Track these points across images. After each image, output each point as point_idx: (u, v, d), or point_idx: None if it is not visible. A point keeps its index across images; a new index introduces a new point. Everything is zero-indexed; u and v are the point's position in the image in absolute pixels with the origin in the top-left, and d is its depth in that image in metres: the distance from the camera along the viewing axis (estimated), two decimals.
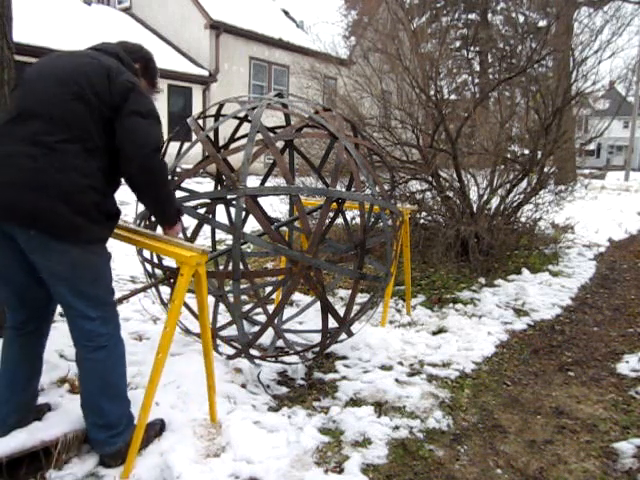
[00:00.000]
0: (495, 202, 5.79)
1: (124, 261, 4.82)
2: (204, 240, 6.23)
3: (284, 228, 4.27)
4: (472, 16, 19.93)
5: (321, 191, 3.21)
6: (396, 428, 2.47)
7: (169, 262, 2.37)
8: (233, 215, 3.30)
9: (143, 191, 2.00)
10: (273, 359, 3.06)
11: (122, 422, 2.04)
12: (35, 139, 1.78)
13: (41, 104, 1.82)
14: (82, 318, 1.92)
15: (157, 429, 2.20)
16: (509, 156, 6.10)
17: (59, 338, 2.83)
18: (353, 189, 3.64)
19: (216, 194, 3.02)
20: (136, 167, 1.89)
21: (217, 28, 15.13)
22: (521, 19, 7.78)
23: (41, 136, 1.78)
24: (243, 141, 2.96)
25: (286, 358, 3.15)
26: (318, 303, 3.90)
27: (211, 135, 3.74)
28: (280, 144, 3.83)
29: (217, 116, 3.50)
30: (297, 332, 3.70)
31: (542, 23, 6.76)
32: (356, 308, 3.56)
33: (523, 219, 6.25)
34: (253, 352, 2.99)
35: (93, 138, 1.84)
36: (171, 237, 2.15)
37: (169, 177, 2.23)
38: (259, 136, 2.81)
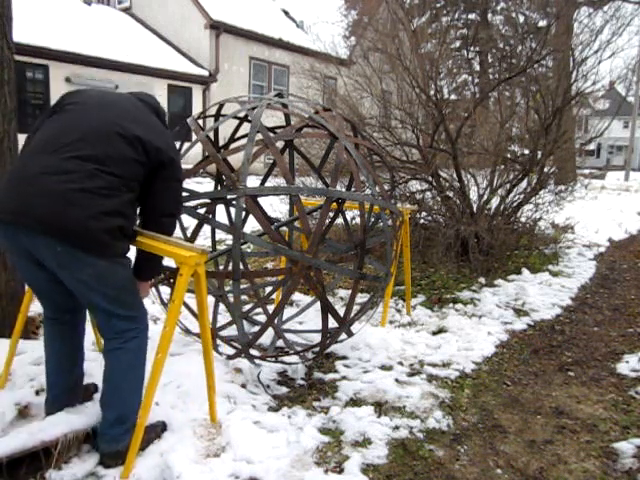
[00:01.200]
0: (495, 202, 5.79)
1: None
2: (204, 240, 6.23)
3: (284, 228, 4.28)
4: (472, 16, 19.94)
5: (321, 191, 3.21)
6: (396, 428, 2.47)
7: (168, 262, 2.38)
8: (233, 215, 3.30)
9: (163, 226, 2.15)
10: (273, 359, 3.06)
11: (133, 417, 2.04)
12: (81, 162, 1.88)
13: (95, 134, 1.95)
14: (114, 317, 2.01)
15: (158, 431, 2.20)
16: (509, 156, 6.09)
17: None
18: (353, 189, 3.64)
19: (216, 194, 3.03)
20: (168, 222, 2.15)
21: (217, 28, 15.12)
22: (521, 19, 7.78)
23: (87, 161, 1.90)
24: (243, 141, 2.97)
25: (286, 358, 3.15)
26: (318, 303, 3.90)
27: (211, 135, 3.74)
28: (280, 144, 3.83)
29: (217, 116, 3.50)
30: (297, 332, 3.70)
31: (542, 23, 6.76)
32: (356, 308, 3.56)
33: (523, 219, 6.25)
34: (253, 352, 2.99)
35: (131, 178, 1.98)
36: (142, 292, 2.24)
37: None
38: (259, 136, 2.81)
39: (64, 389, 2.22)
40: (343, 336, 3.20)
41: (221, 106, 3.40)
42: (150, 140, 2.01)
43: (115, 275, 1.97)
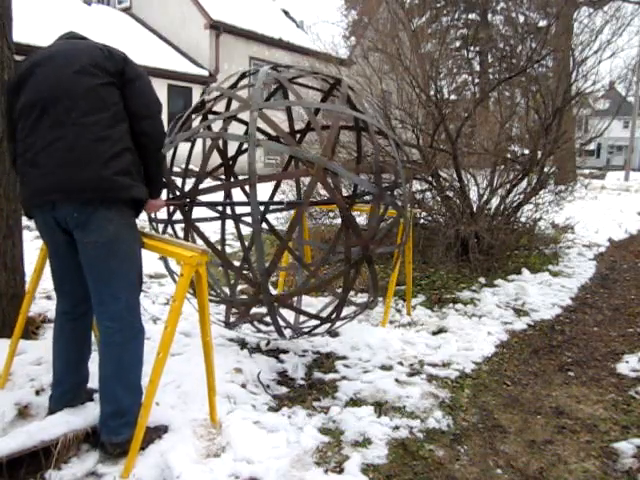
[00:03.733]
0: (495, 202, 5.79)
1: None
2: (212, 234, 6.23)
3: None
4: (472, 16, 19.97)
5: (335, 107, 3.09)
6: (396, 428, 2.47)
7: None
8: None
9: (149, 149, 2.10)
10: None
11: (133, 412, 2.04)
12: (61, 120, 1.92)
13: (55, 87, 1.96)
14: (111, 297, 2.02)
15: (160, 434, 2.20)
16: (509, 156, 6.09)
17: None
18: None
19: (230, 113, 2.95)
20: (148, 124, 2.07)
21: (217, 28, 15.12)
22: (521, 19, 7.79)
23: (64, 116, 1.92)
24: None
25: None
26: (327, 308, 3.86)
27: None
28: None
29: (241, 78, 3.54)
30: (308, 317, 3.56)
31: (542, 23, 6.76)
32: (351, 310, 3.55)
33: (523, 219, 6.25)
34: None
35: (108, 105, 1.97)
36: (153, 210, 2.31)
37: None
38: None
39: (71, 386, 2.23)
40: (344, 335, 3.19)
41: (243, 75, 3.47)
42: (102, 59, 2.01)
43: (125, 238, 2.02)
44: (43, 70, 2.00)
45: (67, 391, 2.22)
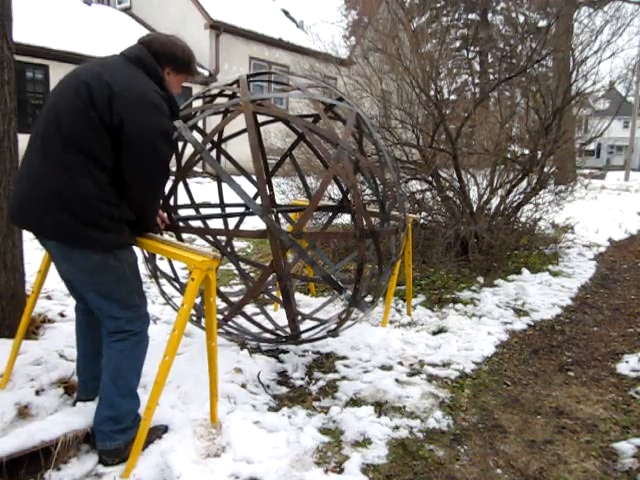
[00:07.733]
0: (495, 202, 5.79)
1: None
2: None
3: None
4: (472, 16, 19.97)
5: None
6: (396, 428, 2.47)
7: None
8: None
9: (136, 206, 2.01)
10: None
11: (128, 419, 2.05)
12: (47, 152, 1.86)
13: (54, 116, 1.87)
14: (108, 317, 2.04)
15: (159, 434, 2.20)
16: (509, 156, 6.09)
17: (59, 338, 2.83)
18: None
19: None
20: (138, 194, 1.96)
21: (217, 28, 15.12)
22: (521, 19, 7.78)
23: (52, 149, 1.85)
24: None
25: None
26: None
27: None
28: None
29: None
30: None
31: (542, 23, 6.76)
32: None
33: (523, 219, 6.25)
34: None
35: (97, 153, 1.84)
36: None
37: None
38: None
39: (91, 376, 2.24)
40: (343, 337, 3.19)
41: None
42: (101, 104, 1.80)
43: (108, 269, 1.96)
44: (61, 92, 1.89)
45: (88, 380, 2.26)
